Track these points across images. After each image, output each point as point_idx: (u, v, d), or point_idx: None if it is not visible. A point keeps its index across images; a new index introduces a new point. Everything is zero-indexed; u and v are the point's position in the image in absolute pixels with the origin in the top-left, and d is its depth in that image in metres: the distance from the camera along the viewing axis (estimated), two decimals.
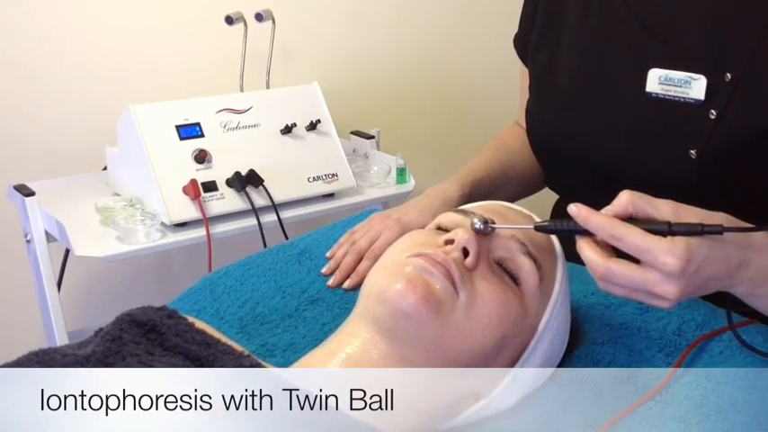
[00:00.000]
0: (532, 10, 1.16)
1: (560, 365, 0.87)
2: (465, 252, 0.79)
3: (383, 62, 2.04)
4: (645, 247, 0.70)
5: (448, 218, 0.87)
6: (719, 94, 0.94)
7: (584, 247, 0.74)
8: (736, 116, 0.94)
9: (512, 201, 1.00)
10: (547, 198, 1.23)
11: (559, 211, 1.21)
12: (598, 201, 0.82)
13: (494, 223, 0.81)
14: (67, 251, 1.55)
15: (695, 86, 0.95)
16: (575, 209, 0.74)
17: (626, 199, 0.73)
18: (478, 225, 0.81)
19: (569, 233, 0.76)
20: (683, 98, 0.96)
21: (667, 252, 0.70)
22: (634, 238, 0.71)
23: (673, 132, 0.98)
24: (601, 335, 0.91)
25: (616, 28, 1.04)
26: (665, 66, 0.97)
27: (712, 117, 0.95)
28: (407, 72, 2.08)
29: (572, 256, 0.95)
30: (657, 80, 0.98)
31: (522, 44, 1.20)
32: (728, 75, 0.94)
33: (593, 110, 1.05)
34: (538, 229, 0.79)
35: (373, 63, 2.03)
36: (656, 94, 0.98)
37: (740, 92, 0.94)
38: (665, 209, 0.73)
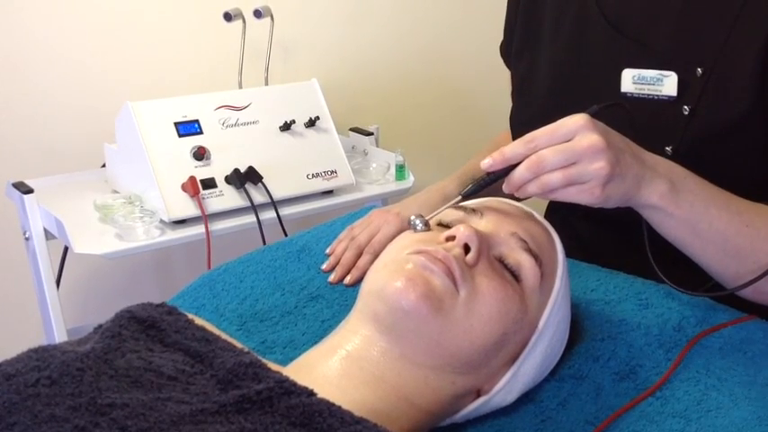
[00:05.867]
0: (513, 17, 1.17)
1: (560, 362, 0.87)
2: (466, 248, 0.79)
3: (382, 58, 2.04)
4: (554, 125, 0.79)
5: (448, 214, 0.87)
6: (691, 89, 0.95)
7: (506, 151, 0.80)
8: (709, 110, 0.95)
9: None
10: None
11: (554, 210, 1.21)
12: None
13: (425, 216, 0.85)
14: (66, 248, 1.55)
15: (667, 83, 0.97)
16: (488, 160, 0.81)
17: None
18: (419, 225, 0.84)
19: (494, 181, 0.82)
20: (657, 95, 0.97)
21: (571, 115, 0.79)
22: (543, 128, 0.79)
23: (648, 130, 0.98)
24: (601, 331, 0.91)
25: (589, 32, 1.05)
26: (638, 65, 0.99)
27: (685, 112, 0.96)
28: (407, 68, 2.08)
29: (572, 252, 0.95)
30: (631, 80, 0.99)
31: (507, 51, 1.21)
32: (699, 70, 0.95)
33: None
34: (465, 196, 0.84)
35: (372, 59, 2.03)
36: (631, 93, 1.00)
37: (711, 86, 0.95)
38: None
